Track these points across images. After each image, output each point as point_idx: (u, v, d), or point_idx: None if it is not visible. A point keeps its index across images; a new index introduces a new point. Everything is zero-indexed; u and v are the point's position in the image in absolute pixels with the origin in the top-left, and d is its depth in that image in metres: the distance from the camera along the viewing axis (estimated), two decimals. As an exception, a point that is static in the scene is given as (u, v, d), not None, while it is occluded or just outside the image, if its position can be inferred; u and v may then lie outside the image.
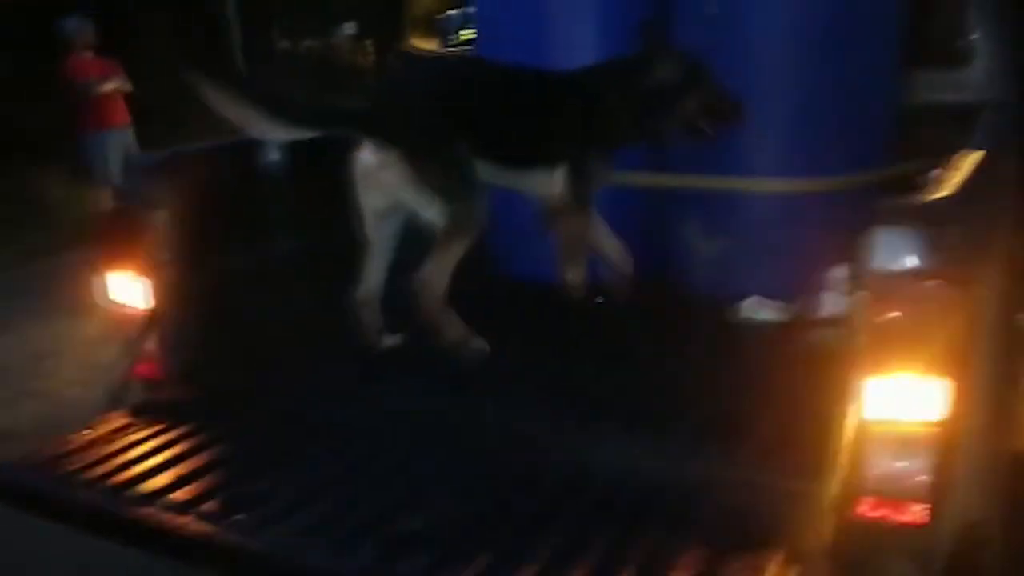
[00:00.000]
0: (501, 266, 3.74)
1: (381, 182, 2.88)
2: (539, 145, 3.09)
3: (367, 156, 2.88)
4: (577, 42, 3.41)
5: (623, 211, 3.34)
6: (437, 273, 2.89)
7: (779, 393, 2.45)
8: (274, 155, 3.35)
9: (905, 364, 1.87)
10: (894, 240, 1.87)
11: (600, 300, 3.22)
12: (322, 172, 3.05)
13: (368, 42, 15.44)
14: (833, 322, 3.05)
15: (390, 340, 3.11)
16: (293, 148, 3.30)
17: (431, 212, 2.87)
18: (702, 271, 3.35)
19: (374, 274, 3.09)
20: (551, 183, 3.13)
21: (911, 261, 1.86)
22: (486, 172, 2.96)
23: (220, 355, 2.92)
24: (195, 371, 2.92)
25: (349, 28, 16.83)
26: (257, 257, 3.24)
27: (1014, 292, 2.29)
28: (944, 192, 2.01)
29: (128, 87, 7.89)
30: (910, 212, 1.90)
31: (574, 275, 3.23)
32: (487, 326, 2.97)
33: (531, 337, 3.06)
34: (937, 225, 1.89)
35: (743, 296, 3.22)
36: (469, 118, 2.92)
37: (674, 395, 2.62)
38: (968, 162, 2.29)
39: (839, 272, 3.13)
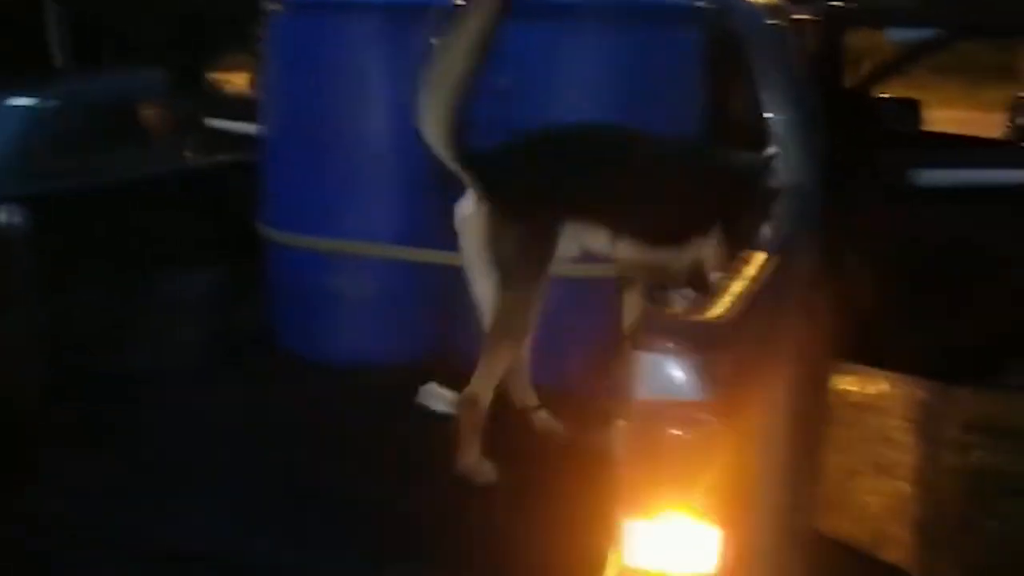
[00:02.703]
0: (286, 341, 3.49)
1: (470, 234, 2.65)
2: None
3: (466, 204, 2.65)
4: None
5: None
6: (483, 387, 2.58)
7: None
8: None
9: (671, 505, 1.65)
10: (659, 367, 1.65)
11: None
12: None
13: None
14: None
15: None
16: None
17: (479, 287, 2.65)
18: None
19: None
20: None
21: (678, 391, 1.65)
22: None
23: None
24: None
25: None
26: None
27: (797, 430, 2.10)
28: (720, 310, 1.81)
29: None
30: (678, 335, 1.68)
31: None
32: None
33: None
34: (708, 350, 1.68)
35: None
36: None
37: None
38: (753, 268, 2.12)
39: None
